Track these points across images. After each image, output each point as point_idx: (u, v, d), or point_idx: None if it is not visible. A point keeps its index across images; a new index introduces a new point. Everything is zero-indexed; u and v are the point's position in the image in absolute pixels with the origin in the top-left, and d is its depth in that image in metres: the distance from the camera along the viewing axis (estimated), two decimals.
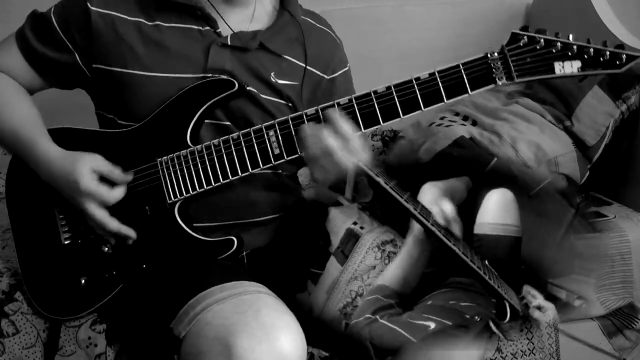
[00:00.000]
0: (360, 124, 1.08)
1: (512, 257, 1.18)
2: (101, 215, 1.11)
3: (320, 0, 1.63)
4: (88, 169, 1.10)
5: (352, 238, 1.19)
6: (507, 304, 1.04)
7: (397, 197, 1.05)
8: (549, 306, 1.14)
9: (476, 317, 1.05)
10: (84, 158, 1.11)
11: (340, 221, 1.22)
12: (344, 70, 1.33)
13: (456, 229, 1.13)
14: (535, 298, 1.13)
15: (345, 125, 1.06)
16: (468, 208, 1.20)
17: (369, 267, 1.16)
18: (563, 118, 1.66)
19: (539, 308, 1.13)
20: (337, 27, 1.37)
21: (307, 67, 1.24)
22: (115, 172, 1.12)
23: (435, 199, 1.17)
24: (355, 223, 1.21)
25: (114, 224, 1.12)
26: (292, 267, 1.20)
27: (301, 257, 1.21)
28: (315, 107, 1.09)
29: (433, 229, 1.02)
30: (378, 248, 1.18)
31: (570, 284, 1.36)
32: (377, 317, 1.08)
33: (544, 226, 1.26)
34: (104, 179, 1.12)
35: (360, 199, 1.35)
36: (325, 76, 1.28)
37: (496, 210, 1.19)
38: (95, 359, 1.16)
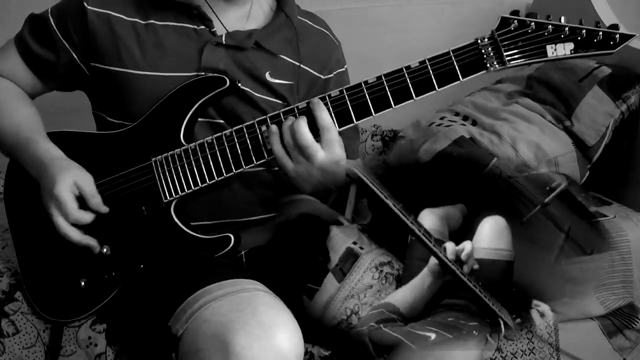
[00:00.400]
0: (352, 115, 1.08)
1: (504, 280, 1.20)
2: (62, 224, 1.10)
3: (320, 0, 1.63)
4: (71, 180, 1.10)
5: (351, 257, 1.20)
6: (501, 321, 1.05)
7: (394, 208, 1.05)
8: (550, 315, 1.16)
9: (474, 332, 1.06)
10: (74, 170, 1.12)
11: (341, 240, 1.23)
12: (340, 70, 1.33)
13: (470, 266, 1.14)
14: (539, 306, 1.14)
15: (324, 115, 1.06)
16: (463, 234, 1.22)
17: (366, 286, 1.17)
18: (563, 118, 1.66)
19: (540, 313, 1.14)
20: (337, 27, 1.37)
21: (302, 66, 1.24)
22: (94, 198, 1.12)
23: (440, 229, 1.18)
24: (355, 243, 1.22)
25: (74, 235, 1.11)
26: (288, 282, 1.20)
27: (298, 271, 1.21)
28: (307, 101, 1.09)
29: (435, 249, 1.03)
30: (376, 269, 1.19)
31: (561, 307, 1.37)
32: (381, 326, 1.09)
33: (536, 252, 1.27)
34: (81, 199, 1.12)
35: (360, 221, 1.36)
36: (322, 76, 1.29)
37: (490, 236, 1.21)
38: (95, 359, 1.16)
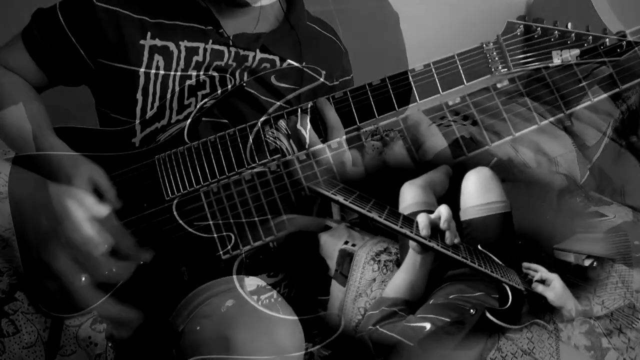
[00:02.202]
0: (356, 117, 1.08)
1: (505, 234, 1.16)
2: (81, 218, 1.07)
3: (320, 0, 1.63)
4: (87, 175, 1.10)
5: (346, 258, 1.19)
6: (507, 287, 1.03)
7: (359, 209, 1.03)
8: (552, 277, 1.11)
9: (471, 311, 1.05)
10: (88, 164, 1.11)
11: (332, 245, 1.22)
12: (346, 78, 1.33)
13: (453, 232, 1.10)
14: (537, 271, 1.11)
15: (332, 114, 1.05)
16: (453, 196, 1.19)
17: (369, 281, 1.16)
18: (563, 118, 1.66)
19: (542, 281, 1.11)
20: (337, 26, 1.37)
21: (305, 69, 1.25)
22: (111, 192, 1.11)
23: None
24: (346, 242, 1.21)
25: (90, 230, 1.07)
26: (300, 303, 1.19)
27: (305, 290, 1.20)
28: (313, 100, 1.09)
29: (403, 230, 1.00)
30: (373, 260, 1.18)
31: (576, 245, 1.34)
32: (378, 327, 1.08)
33: (537, 193, 1.24)
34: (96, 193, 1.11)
35: (350, 217, 1.35)
36: (327, 83, 1.29)
37: (475, 191, 1.17)
38: (95, 358, 1.16)
